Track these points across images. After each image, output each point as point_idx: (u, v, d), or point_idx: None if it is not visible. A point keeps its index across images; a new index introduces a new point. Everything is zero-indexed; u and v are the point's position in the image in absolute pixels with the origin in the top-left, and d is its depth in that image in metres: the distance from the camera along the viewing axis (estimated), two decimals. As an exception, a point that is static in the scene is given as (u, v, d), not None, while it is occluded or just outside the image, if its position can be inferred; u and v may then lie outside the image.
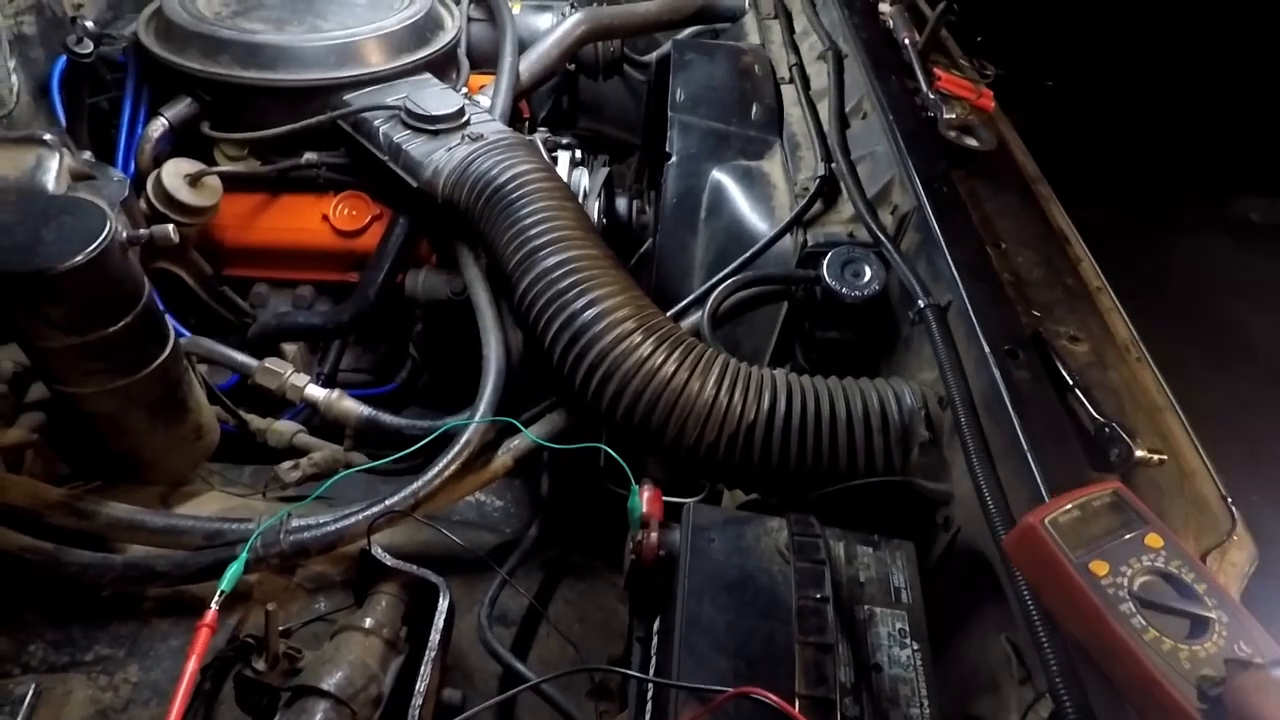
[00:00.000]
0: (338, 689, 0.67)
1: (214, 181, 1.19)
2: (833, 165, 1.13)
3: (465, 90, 1.39)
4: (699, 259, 1.23)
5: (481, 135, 1.13)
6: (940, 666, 0.69)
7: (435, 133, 1.13)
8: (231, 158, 1.28)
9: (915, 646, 0.68)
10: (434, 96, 1.17)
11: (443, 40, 1.34)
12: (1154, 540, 0.58)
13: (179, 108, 1.19)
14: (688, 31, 1.77)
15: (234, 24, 1.21)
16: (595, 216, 1.29)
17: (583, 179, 1.30)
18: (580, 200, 1.28)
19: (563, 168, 1.27)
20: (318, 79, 1.19)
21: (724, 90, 1.33)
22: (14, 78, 1.14)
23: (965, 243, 0.93)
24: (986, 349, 0.79)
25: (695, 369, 0.87)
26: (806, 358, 1.06)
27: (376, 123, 1.15)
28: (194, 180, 1.16)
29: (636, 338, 0.89)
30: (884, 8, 1.47)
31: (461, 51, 1.45)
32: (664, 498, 0.75)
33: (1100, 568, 0.56)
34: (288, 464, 0.96)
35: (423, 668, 0.70)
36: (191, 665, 0.64)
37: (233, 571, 0.73)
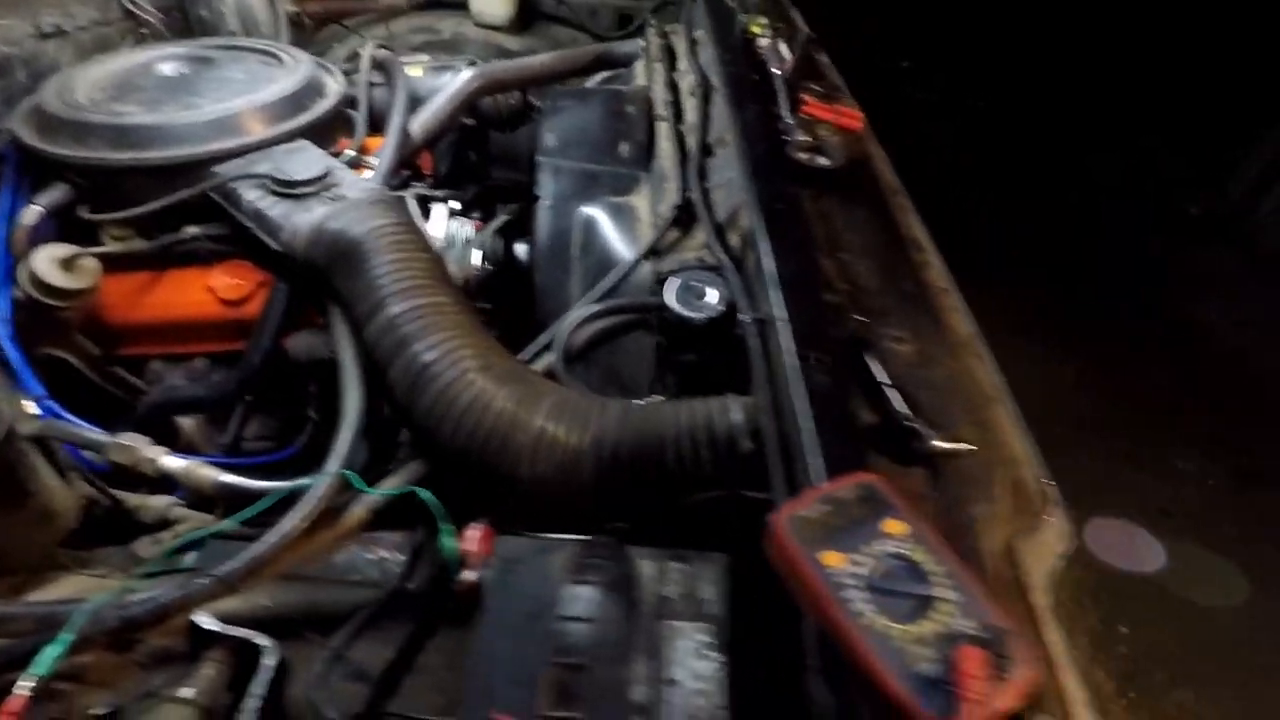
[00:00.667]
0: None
1: (90, 263, 1.22)
2: (688, 194, 1.16)
3: (353, 154, 1.44)
4: (575, 295, 1.24)
5: (343, 196, 1.16)
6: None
7: (298, 196, 1.17)
8: (117, 238, 1.31)
9: (717, 658, 0.68)
10: (300, 161, 1.20)
11: (322, 107, 1.39)
12: (894, 527, 0.58)
13: (54, 194, 1.23)
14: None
15: (106, 108, 1.26)
16: (476, 263, 1.31)
17: (461, 230, 1.33)
18: (460, 248, 1.31)
19: (439, 220, 1.30)
20: (187, 154, 1.22)
21: (594, 132, 1.36)
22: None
23: (791, 256, 0.94)
24: (789, 357, 0.79)
25: (524, 401, 0.88)
26: (664, 382, 1.07)
27: (243, 192, 1.19)
28: (67, 264, 1.19)
29: (472, 375, 0.90)
30: (761, 42, 1.53)
31: (359, 115, 1.50)
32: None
33: (833, 558, 0.55)
34: (148, 539, 0.96)
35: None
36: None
37: (47, 654, 0.73)
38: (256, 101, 1.30)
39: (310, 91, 1.38)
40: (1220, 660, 2.25)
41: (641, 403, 0.90)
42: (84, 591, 0.91)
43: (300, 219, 1.12)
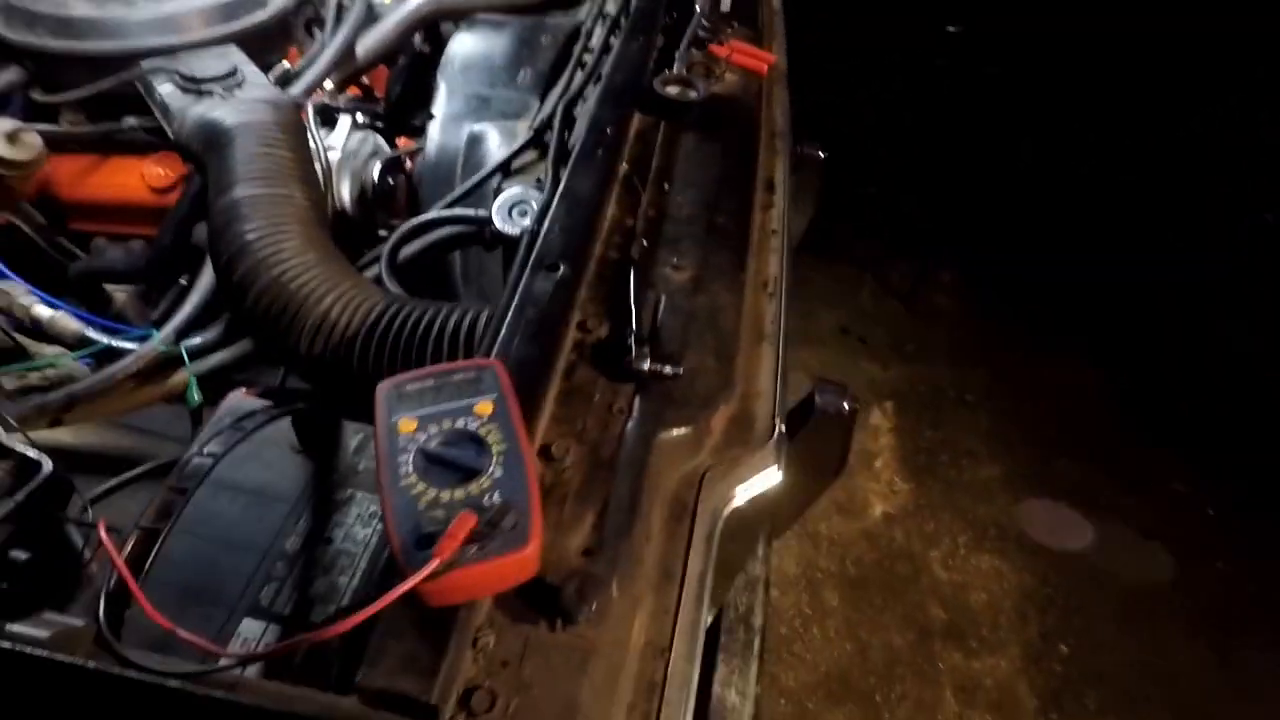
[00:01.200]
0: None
1: (31, 139, 1.35)
2: (544, 117, 1.18)
3: (286, 66, 1.53)
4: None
5: (241, 96, 1.25)
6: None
7: (200, 93, 1.26)
8: (71, 122, 1.46)
9: (378, 528, 0.73)
10: (209, 62, 1.30)
11: (259, 17, 1.48)
12: (482, 408, 0.61)
13: (7, 75, 1.37)
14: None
15: (65, 6, 1.38)
16: (374, 175, 1.38)
17: (365, 143, 1.40)
18: (360, 159, 1.38)
19: (340, 131, 1.37)
20: (114, 47, 1.34)
21: (499, 57, 1.40)
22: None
23: (585, 177, 0.96)
24: (528, 267, 0.83)
25: (319, 285, 0.95)
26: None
27: (157, 85, 1.29)
28: (11, 137, 1.33)
29: (284, 254, 0.97)
30: None
31: (324, 33, 1.58)
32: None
33: (406, 424, 0.59)
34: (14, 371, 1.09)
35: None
36: None
37: None
38: (189, 5, 1.40)
39: (248, 2, 1.46)
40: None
41: (424, 302, 0.95)
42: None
43: (193, 111, 1.21)
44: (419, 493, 0.55)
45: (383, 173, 1.38)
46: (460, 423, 0.60)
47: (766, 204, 1.09)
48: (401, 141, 1.55)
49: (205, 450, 0.74)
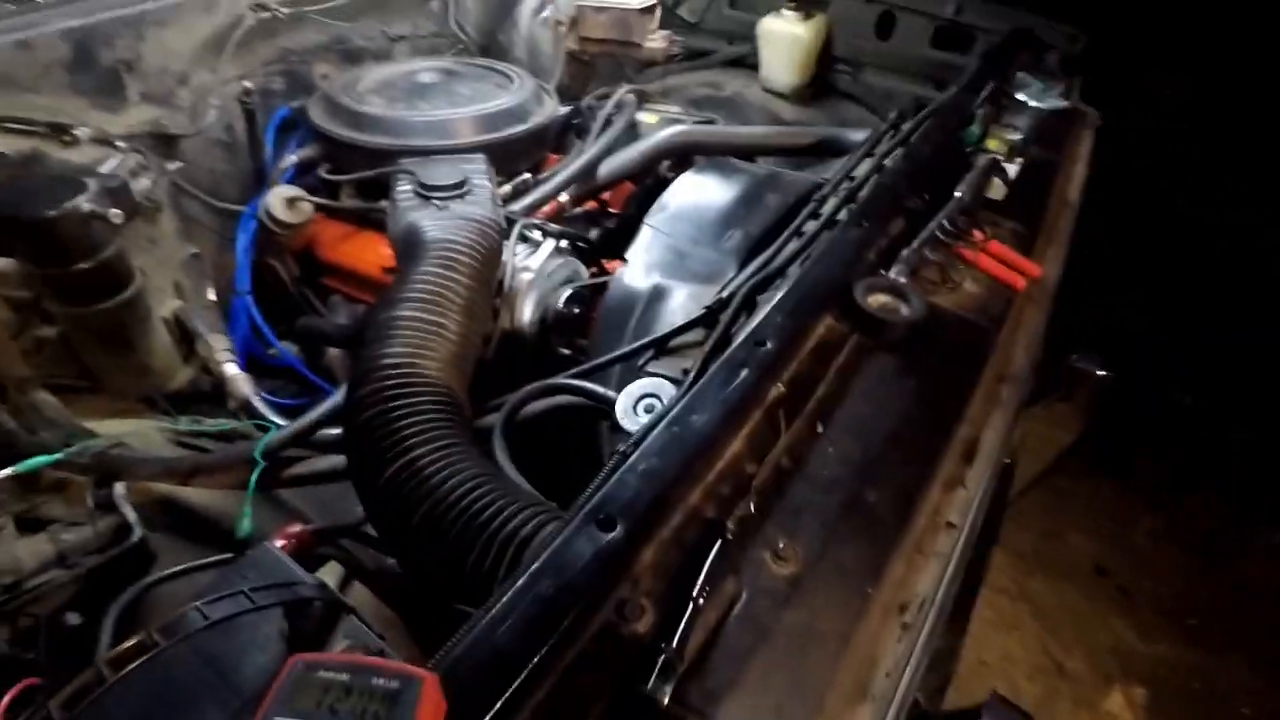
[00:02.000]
0: None
1: (305, 206, 1.53)
2: (722, 296, 1.04)
3: (526, 176, 1.58)
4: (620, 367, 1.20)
5: (450, 209, 1.29)
6: None
7: (427, 199, 1.32)
8: (350, 196, 1.64)
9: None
10: (446, 171, 1.36)
11: (517, 129, 1.55)
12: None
13: (305, 151, 1.58)
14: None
15: (360, 97, 1.57)
16: (559, 303, 1.34)
17: (562, 269, 1.37)
18: (548, 282, 1.35)
19: (541, 253, 1.35)
20: (390, 144, 1.47)
21: (709, 212, 1.29)
22: (221, 111, 1.61)
23: (716, 400, 0.79)
24: (577, 517, 0.68)
25: (412, 440, 0.89)
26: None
27: (399, 184, 1.38)
28: (290, 202, 1.52)
29: (401, 407, 0.94)
30: (981, 160, 1.30)
31: (586, 145, 1.64)
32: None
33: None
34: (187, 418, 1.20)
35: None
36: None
37: (31, 463, 0.97)
38: (458, 113, 1.50)
39: (507, 117, 1.54)
40: None
41: (500, 491, 0.85)
42: (132, 433, 1.18)
43: (409, 215, 1.27)
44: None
45: (568, 301, 1.34)
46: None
47: (953, 481, 0.82)
48: (611, 266, 1.52)
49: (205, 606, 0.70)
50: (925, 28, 2.11)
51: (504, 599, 0.60)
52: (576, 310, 1.36)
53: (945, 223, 1.13)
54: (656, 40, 1.95)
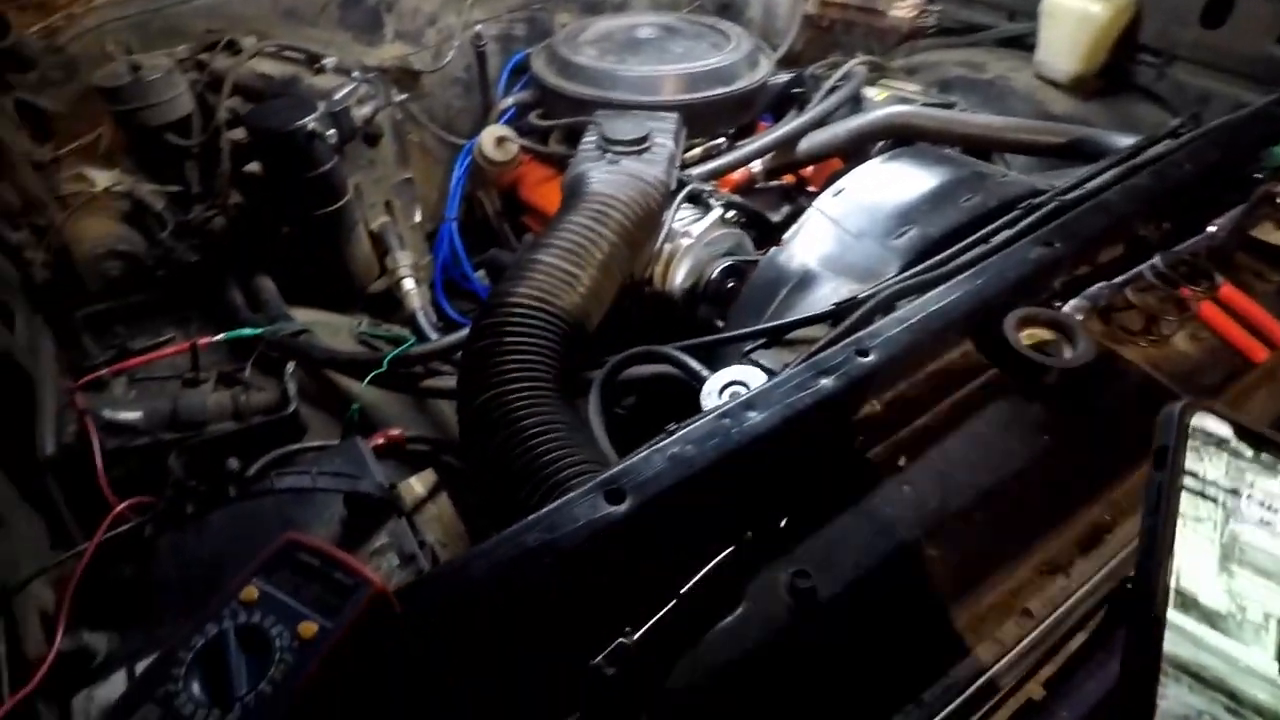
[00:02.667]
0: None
1: (512, 147, 1.65)
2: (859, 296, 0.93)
3: (722, 140, 1.55)
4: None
5: (622, 164, 1.30)
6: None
7: (605, 151, 1.35)
8: (558, 141, 1.73)
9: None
10: (629, 127, 1.37)
11: (718, 92, 1.51)
12: (307, 629, 0.51)
13: (523, 95, 1.68)
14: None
15: (578, 49, 1.62)
16: (713, 273, 1.30)
17: (723, 239, 1.33)
18: (704, 251, 1.32)
19: (705, 221, 1.32)
20: (588, 94, 1.52)
21: (888, 204, 1.15)
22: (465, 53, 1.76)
23: (788, 404, 0.72)
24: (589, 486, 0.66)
25: (508, 373, 0.94)
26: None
27: (587, 135, 1.42)
28: (499, 142, 1.64)
29: (512, 339, 0.99)
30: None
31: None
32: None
33: (249, 593, 0.53)
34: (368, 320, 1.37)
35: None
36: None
37: (238, 333, 1.18)
38: (662, 70, 1.49)
39: (712, 77, 1.50)
40: None
41: (566, 428, 0.86)
42: (323, 323, 1.36)
43: (583, 165, 1.31)
44: (174, 674, 0.49)
45: (723, 273, 1.30)
46: (277, 630, 0.51)
47: (1054, 566, 0.68)
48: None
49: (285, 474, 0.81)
50: (1275, 17, 1.67)
51: (496, 538, 0.61)
52: (730, 284, 1.31)
53: (1173, 258, 0.91)
54: (903, 9, 1.77)
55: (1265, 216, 0.97)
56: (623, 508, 0.63)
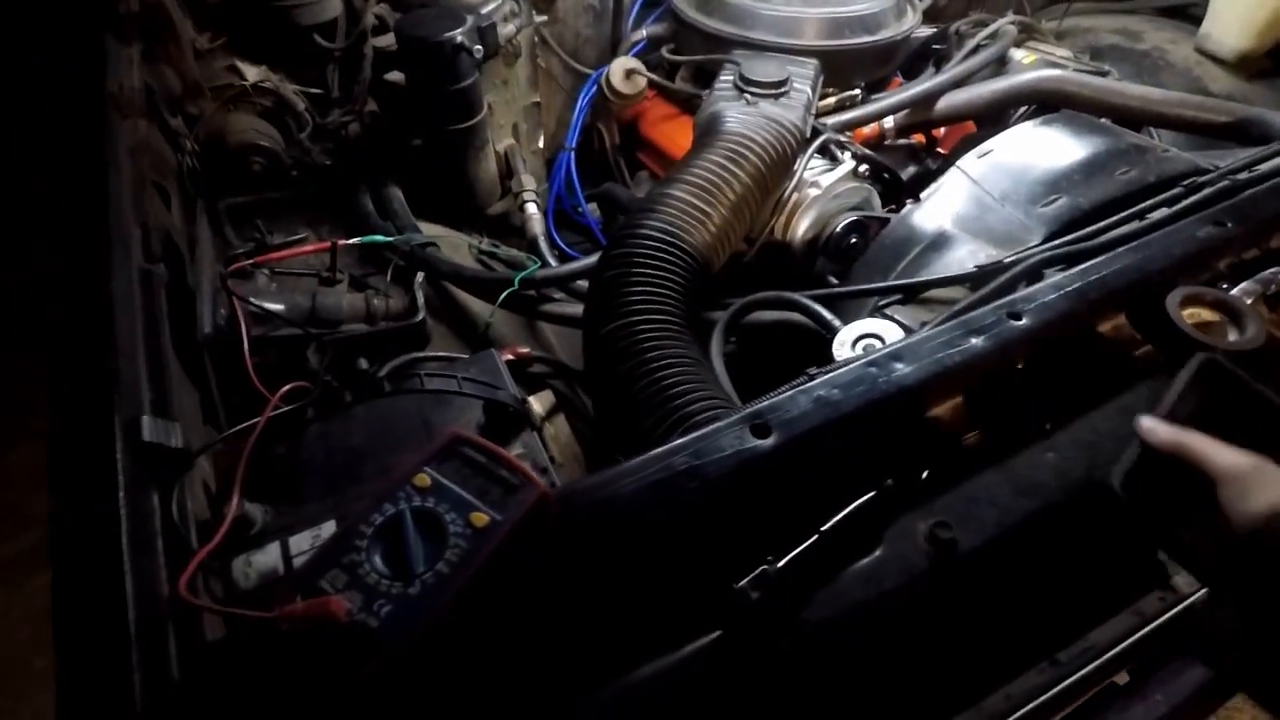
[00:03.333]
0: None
1: (639, 80, 1.63)
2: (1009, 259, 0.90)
3: (857, 92, 1.50)
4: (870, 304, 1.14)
5: (759, 106, 1.27)
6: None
7: (741, 92, 1.32)
8: (684, 79, 1.70)
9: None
10: (770, 69, 1.34)
11: (861, 40, 1.46)
12: (479, 519, 0.54)
13: (656, 28, 1.65)
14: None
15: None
16: (837, 227, 1.28)
17: (850, 193, 1.30)
18: (830, 204, 1.29)
19: (835, 173, 1.29)
20: (726, 31, 1.48)
21: (1038, 170, 1.10)
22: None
23: (933, 360, 0.71)
24: (734, 416, 0.67)
25: (635, 305, 0.95)
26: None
27: (723, 75, 1.39)
28: (628, 74, 1.63)
29: (640, 270, 1.00)
30: None
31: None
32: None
33: (422, 479, 0.57)
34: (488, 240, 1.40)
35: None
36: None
37: (370, 239, 1.22)
38: (807, 13, 1.44)
39: (856, 24, 1.45)
40: None
41: (688, 360, 0.88)
42: (446, 238, 1.40)
43: (720, 105, 1.29)
44: (358, 545, 0.53)
45: (847, 228, 1.28)
46: (451, 516, 0.54)
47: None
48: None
49: (425, 374, 0.85)
50: None
51: (641, 459, 0.63)
52: (853, 239, 1.29)
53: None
54: (1063, -35, 1.65)
55: None
56: (769, 442, 0.65)
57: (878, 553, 0.63)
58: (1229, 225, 0.86)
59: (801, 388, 0.69)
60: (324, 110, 1.44)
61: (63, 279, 0.79)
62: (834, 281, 1.28)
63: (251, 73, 1.41)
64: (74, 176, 0.91)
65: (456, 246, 1.39)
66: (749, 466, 0.63)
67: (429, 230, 1.34)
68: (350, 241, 1.18)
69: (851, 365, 0.71)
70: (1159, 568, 0.67)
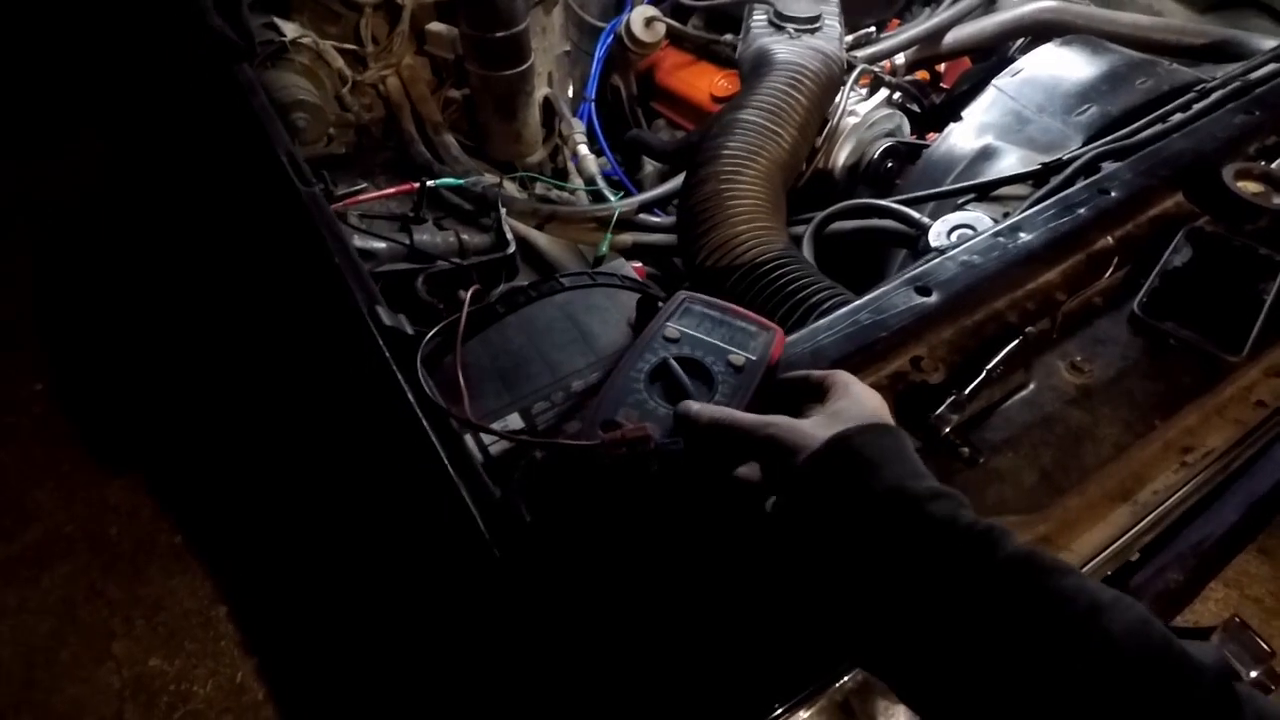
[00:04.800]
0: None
1: (659, 28, 1.69)
2: (1063, 158, 1.02)
3: (872, 29, 1.60)
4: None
5: (799, 39, 1.36)
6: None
7: (779, 29, 1.40)
8: (695, 27, 1.77)
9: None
10: (803, 5, 1.42)
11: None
12: (736, 359, 0.62)
13: (673, -25, 1.72)
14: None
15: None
16: (874, 153, 1.38)
17: (884, 120, 1.40)
18: (868, 132, 1.39)
19: (869, 102, 1.39)
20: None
21: (1066, 84, 1.23)
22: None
23: (1044, 230, 0.82)
24: (902, 277, 0.76)
25: (741, 216, 1.03)
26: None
27: (755, 13, 1.47)
28: (648, 22, 1.68)
29: (734, 186, 1.07)
30: None
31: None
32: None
33: (672, 332, 0.64)
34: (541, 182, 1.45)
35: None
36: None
37: (442, 182, 1.25)
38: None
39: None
40: None
41: (806, 268, 0.96)
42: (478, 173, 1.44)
43: (762, 40, 1.37)
44: (636, 387, 0.60)
45: (884, 153, 1.38)
46: (710, 359, 0.62)
47: (1276, 370, 0.79)
48: (931, 138, 1.51)
49: (567, 282, 0.90)
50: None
51: (831, 316, 0.71)
52: (890, 164, 1.39)
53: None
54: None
55: None
56: (933, 299, 0.74)
57: (1031, 386, 0.74)
58: (1257, 114, 0.99)
59: (946, 255, 0.79)
60: (363, 65, 1.46)
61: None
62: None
63: (289, 28, 1.41)
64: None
65: (512, 190, 1.43)
66: (921, 318, 0.73)
67: (489, 177, 1.38)
68: (438, 182, 1.21)
69: (984, 235, 0.80)
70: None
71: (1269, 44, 1.43)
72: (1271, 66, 1.19)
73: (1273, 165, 0.96)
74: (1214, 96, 1.12)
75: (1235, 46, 1.47)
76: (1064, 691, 0.38)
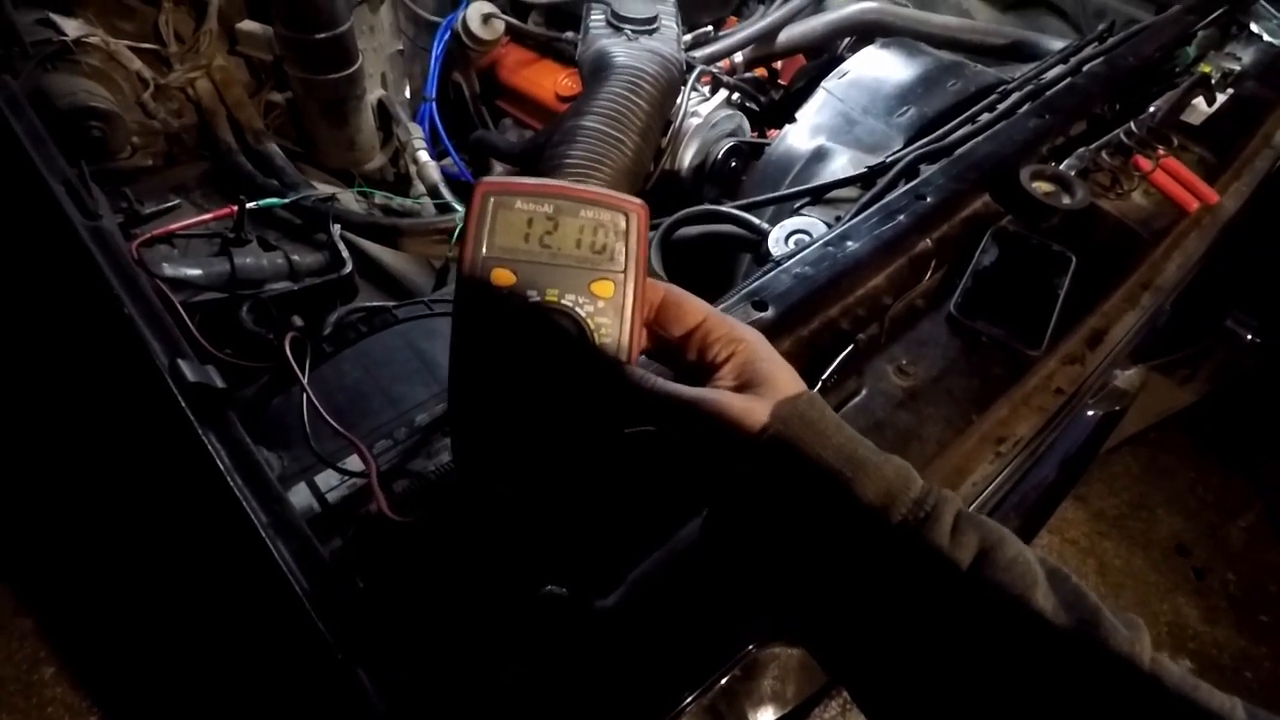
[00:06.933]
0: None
1: (497, 24, 1.64)
2: (887, 161, 1.08)
3: (709, 29, 1.62)
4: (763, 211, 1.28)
5: (637, 41, 1.36)
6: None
7: (617, 30, 1.40)
8: (535, 24, 1.73)
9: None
10: (640, 6, 1.42)
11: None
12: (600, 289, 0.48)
13: (504, -29, 1.66)
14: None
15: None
16: (718, 153, 1.41)
17: (727, 121, 1.43)
18: (710, 132, 1.41)
19: (711, 102, 1.41)
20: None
21: (887, 86, 1.30)
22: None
23: (869, 236, 0.86)
24: (734, 297, 0.78)
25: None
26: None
27: (593, 14, 1.45)
28: (485, 18, 1.63)
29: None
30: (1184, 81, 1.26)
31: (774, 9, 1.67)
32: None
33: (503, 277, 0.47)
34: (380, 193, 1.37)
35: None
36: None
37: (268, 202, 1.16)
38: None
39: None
40: None
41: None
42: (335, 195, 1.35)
43: (600, 41, 1.35)
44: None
45: (728, 153, 1.41)
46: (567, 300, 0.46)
47: (1072, 358, 0.88)
48: (771, 134, 1.56)
49: (401, 314, 0.86)
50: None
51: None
52: (734, 164, 1.42)
53: (1129, 129, 1.12)
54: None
55: (1191, 99, 1.20)
56: (769, 314, 0.76)
57: (864, 391, 0.78)
58: (1047, 117, 1.09)
59: (780, 268, 0.81)
60: (167, 67, 1.32)
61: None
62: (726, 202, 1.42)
63: (70, 26, 1.25)
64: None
65: (348, 202, 1.34)
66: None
67: (321, 188, 1.29)
68: (261, 203, 1.11)
69: (814, 246, 0.84)
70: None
71: (1058, 44, 1.58)
72: (1059, 69, 1.31)
73: (1061, 165, 1.06)
74: (1012, 99, 1.22)
75: (1030, 47, 1.61)
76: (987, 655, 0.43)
